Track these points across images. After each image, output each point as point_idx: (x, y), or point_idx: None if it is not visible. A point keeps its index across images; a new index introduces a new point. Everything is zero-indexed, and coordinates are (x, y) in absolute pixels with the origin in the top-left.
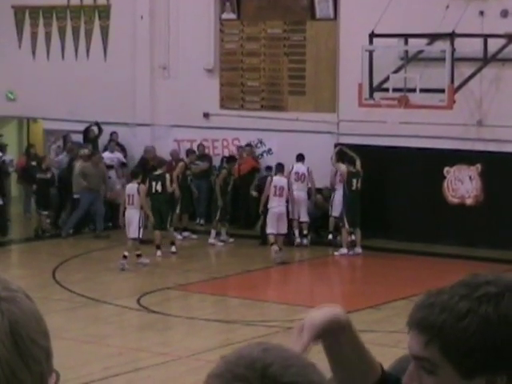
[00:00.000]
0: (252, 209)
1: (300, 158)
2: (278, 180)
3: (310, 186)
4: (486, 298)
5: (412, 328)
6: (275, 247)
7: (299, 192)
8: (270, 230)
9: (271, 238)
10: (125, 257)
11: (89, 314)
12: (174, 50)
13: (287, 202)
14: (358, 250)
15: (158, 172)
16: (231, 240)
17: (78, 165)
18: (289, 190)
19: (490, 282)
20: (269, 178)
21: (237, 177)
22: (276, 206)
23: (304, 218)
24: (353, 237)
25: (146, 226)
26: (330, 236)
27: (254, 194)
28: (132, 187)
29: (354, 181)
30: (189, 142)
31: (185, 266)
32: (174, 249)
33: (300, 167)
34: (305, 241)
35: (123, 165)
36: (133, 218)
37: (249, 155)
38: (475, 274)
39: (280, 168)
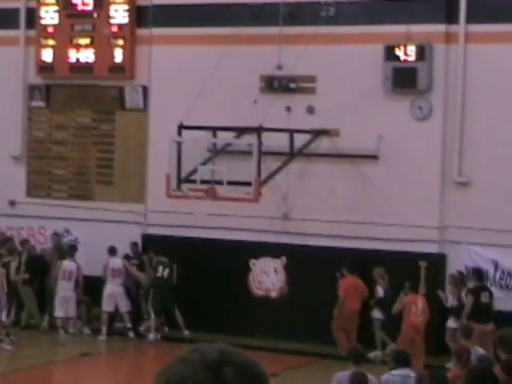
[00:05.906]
0: None
1: (113, 251)
2: (67, 264)
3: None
4: None
5: None
6: (62, 330)
7: (117, 287)
8: (58, 313)
9: (59, 322)
10: None
11: None
12: None
13: (76, 285)
14: (154, 336)
15: (6, 259)
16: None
17: None
18: (77, 272)
19: None
20: (58, 262)
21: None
22: (63, 289)
23: (125, 308)
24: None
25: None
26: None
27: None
28: None
29: (161, 268)
30: None
31: None
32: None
33: (116, 262)
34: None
35: None
36: None
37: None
38: None
39: (72, 252)
